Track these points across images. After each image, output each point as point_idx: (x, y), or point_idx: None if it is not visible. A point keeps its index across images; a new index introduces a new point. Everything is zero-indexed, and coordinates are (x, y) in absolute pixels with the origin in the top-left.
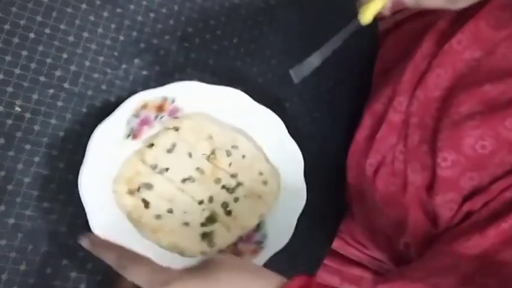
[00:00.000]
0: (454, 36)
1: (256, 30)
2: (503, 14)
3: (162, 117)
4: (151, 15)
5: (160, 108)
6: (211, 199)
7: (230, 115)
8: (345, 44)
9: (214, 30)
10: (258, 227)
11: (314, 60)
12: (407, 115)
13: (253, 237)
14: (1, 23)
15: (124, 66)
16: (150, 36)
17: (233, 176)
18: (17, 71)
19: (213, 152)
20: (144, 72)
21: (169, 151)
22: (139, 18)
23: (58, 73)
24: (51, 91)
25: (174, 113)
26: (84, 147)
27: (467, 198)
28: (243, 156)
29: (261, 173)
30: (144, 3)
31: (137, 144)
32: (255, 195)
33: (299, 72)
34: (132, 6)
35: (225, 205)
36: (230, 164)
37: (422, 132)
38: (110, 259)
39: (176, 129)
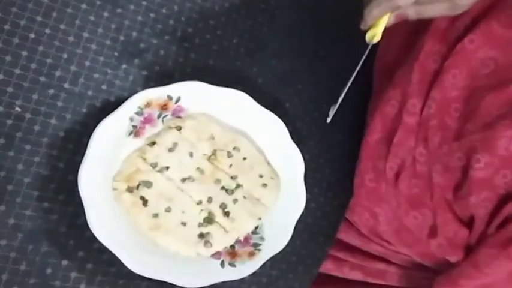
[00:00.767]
0: (465, 36)
1: (256, 30)
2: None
3: (165, 116)
4: (151, 15)
5: (164, 107)
6: (210, 200)
7: (233, 117)
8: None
9: (214, 30)
10: (256, 229)
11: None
12: (425, 117)
13: (250, 240)
14: (1, 23)
15: (124, 66)
16: (150, 36)
17: (233, 177)
18: (17, 71)
19: (214, 153)
20: (144, 72)
21: (170, 150)
22: (139, 18)
23: (58, 73)
24: (51, 91)
25: (177, 113)
26: (85, 147)
27: (504, 199)
28: (244, 158)
29: (261, 176)
30: (144, 3)
31: (139, 142)
32: (254, 198)
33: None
34: (132, 6)
35: (223, 206)
36: (230, 166)
37: (442, 133)
38: None
39: (179, 128)
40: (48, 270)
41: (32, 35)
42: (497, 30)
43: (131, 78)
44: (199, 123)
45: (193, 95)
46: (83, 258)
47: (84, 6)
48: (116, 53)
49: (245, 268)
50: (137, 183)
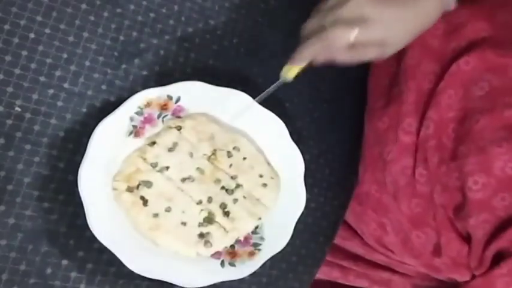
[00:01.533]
0: (460, 58)
1: (256, 30)
2: (505, 34)
3: (165, 116)
4: (151, 15)
5: (164, 107)
6: (210, 199)
7: (233, 117)
8: None
9: (214, 30)
10: (256, 229)
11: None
12: (424, 138)
13: (250, 240)
14: (1, 23)
15: (124, 66)
16: (150, 36)
17: (233, 177)
18: (17, 71)
19: (214, 153)
20: (144, 72)
21: (170, 150)
22: (139, 18)
23: (58, 73)
24: (51, 91)
25: (177, 113)
26: (85, 147)
27: (504, 223)
28: (244, 158)
29: (261, 176)
30: (144, 3)
31: (139, 142)
32: (254, 198)
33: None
34: (132, 6)
35: (223, 206)
36: (230, 166)
37: (440, 153)
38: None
39: (179, 128)
40: (48, 270)
41: (32, 35)
42: (491, 56)
43: (131, 78)
44: (199, 123)
45: (193, 95)
46: (83, 258)
47: (84, 6)
48: (116, 53)
49: (245, 268)
50: (137, 183)
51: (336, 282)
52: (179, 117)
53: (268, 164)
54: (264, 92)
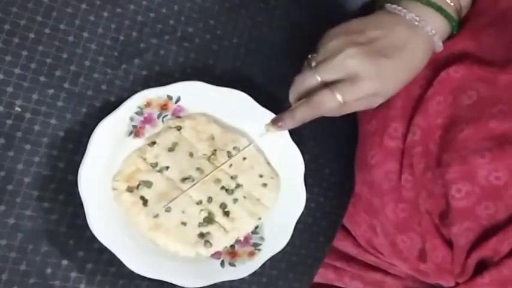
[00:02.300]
0: (452, 65)
1: (256, 30)
2: (492, 55)
3: (165, 116)
4: (151, 15)
5: (164, 107)
6: (210, 200)
7: (233, 117)
8: None
9: (214, 30)
10: (256, 229)
11: None
12: (410, 144)
13: (250, 240)
14: (1, 23)
15: (124, 66)
16: (150, 36)
17: (233, 177)
18: (17, 71)
19: (213, 153)
20: (144, 72)
21: (170, 150)
22: (139, 18)
23: (58, 73)
24: (51, 91)
25: (177, 113)
26: (85, 147)
27: (487, 232)
28: (244, 158)
29: (261, 176)
30: (144, 3)
31: (139, 142)
32: (254, 198)
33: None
34: (132, 6)
35: (223, 206)
36: (230, 166)
37: (426, 160)
38: None
39: (178, 128)
40: (48, 270)
41: (32, 35)
42: (480, 70)
43: (131, 78)
44: (199, 123)
45: (193, 95)
46: (83, 258)
47: (84, 6)
48: (116, 53)
49: (245, 268)
50: (137, 183)
51: (331, 285)
52: (179, 117)
53: (268, 164)
54: (250, 143)
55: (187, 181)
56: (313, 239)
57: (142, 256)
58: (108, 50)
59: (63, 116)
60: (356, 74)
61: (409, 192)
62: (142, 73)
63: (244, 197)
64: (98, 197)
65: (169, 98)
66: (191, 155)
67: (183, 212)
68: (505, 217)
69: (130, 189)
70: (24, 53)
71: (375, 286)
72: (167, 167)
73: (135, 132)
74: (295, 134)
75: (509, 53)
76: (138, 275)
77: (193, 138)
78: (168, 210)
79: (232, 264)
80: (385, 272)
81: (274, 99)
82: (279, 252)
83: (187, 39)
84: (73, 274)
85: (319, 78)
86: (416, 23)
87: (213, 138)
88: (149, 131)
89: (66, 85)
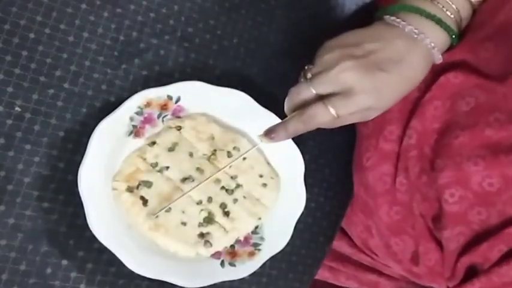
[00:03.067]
0: (451, 70)
1: (256, 30)
2: (489, 69)
3: (165, 116)
4: (151, 15)
5: (164, 107)
6: (210, 200)
7: (233, 117)
8: None
9: (214, 30)
10: (256, 229)
11: None
12: (406, 147)
13: (250, 240)
14: (1, 23)
15: (124, 66)
16: (150, 36)
17: (233, 177)
18: (17, 71)
19: (213, 153)
20: (144, 72)
21: (170, 150)
22: (139, 18)
23: (58, 73)
24: (51, 91)
25: (177, 113)
26: (85, 147)
27: (479, 237)
28: (244, 158)
29: (261, 176)
30: (144, 3)
31: (139, 142)
32: (254, 198)
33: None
34: (132, 6)
35: (223, 206)
36: (230, 166)
37: (421, 163)
38: None
39: (178, 128)
40: (48, 270)
41: (32, 35)
42: (479, 74)
43: (131, 78)
44: (199, 123)
45: (193, 95)
46: (83, 258)
47: (84, 6)
48: (116, 53)
49: (245, 268)
50: (137, 183)
51: (327, 283)
52: (179, 117)
53: (268, 164)
54: (240, 154)
55: (187, 181)
56: (313, 239)
57: (142, 256)
58: (108, 50)
59: (63, 116)
60: (351, 88)
61: (403, 196)
62: (142, 73)
63: (244, 197)
64: (98, 197)
65: (169, 98)
66: (191, 155)
67: (183, 212)
68: (496, 223)
69: (130, 189)
70: (24, 53)
71: (370, 286)
72: (167, 167)
73: (135, 132)
74: None
75: (507, 68)
76: (138, 275)
77: (193, 138)
78: (168, 210)
79: (232, 264)
80: (380, 273)
81: (274, 99)
82: (279, 252)
83: (187, 39)
84: (73, 274)
85: (314, 91)
86: (416, 36)
87: (213, 138)
88: (149, 131)
89: (66, 85)
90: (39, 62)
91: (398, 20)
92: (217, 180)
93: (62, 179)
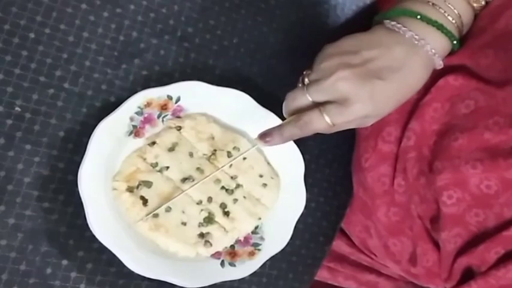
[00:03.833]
0: (449, 74)
1: (256, 30)
2: (489, 76)
3: (165, 116)
4: (151, 15)
5: (164, 107)
6: (210, 200)
7: (233, 117)
8: None
9: (214, 30)
10: (256, 229)
11: None
12: (404, 149)
13: (250, 240)
14: (1, 23)
15: (124, 66)
16: (150, 36)
17: (233, 177)
18: (17, 71)
19: (213, 153)
20: (144, 72)
21: (170, 150)
22: (139, 18)
23: (58, 73)
24: (51, 91)
25: (177, 113)
26: (85, 147)
27: (476, 239)
28: (244, 158)
29: (261, 176)
30: (144, 3)
31: (139, 142)
32: (254, 198)
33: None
34: (132, 6)
35: (223, 206)
36: (230, 166)
37: (420, 164)
38: None
39: (178, 128)
40: (48, 270)
41: (32, 35)
42: (477, 85)
43: (131, 78)
44: (199, 123)
45: (193, 95)
46: (83, 258)
47: (84, 6)
48: (116, 53)
49: (245, 268)
50: (137, 183)
51: (325, 283)
52: (179, 117)
53: (268, 164)
54: (239, 154)
55: (187, 181)
56: (313, 239)
57: (142, 256)
58: (108, 50)
59: (63, 116)
60: (347, 97)
61: (401, 197)
62: (142, 73)
63: (244, 197)
64: (98, 197)
65: (169, 98)
66: (191, 155)
67: (183, 212)
68: (494, 225)
69: (130, 189)
70: (24, 53)
71: (369, 287)
72: (167, 167)
73: (135, 132)
74: None
75: (507, 75)
76: (138, 275)
77: (193, 138)
78: (168, 210)
79: (232, 264)
80: (379, 273)
81: (274, 99)
82: (279, 252)
83: (187, 39)
84: (73, 274)
85: (310, 98)
86: (416, 42)
87: (213, 138)
88: (149, 131)
89: (66, 85)
90: (39, 62)
91: (398, 25)
92: (217, 180)
93: (62, 179)
